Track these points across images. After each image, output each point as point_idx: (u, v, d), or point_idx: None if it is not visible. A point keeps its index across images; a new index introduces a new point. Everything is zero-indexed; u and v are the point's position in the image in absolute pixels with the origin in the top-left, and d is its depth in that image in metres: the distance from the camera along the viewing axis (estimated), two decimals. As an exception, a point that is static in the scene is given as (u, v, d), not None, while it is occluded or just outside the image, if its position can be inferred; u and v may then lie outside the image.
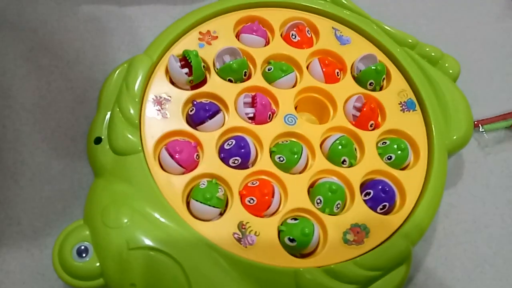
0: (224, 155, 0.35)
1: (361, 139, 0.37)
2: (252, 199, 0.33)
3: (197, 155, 0.34)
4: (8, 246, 0.34)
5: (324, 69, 0.40)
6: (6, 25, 0.44)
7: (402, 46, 0.43)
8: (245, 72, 0.38)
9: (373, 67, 0.40)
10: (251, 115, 0.36)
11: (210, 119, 0.35)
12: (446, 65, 0.42)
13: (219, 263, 0.30)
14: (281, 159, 0.35)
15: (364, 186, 0.36)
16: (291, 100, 0.38)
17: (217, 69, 0.38)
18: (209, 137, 0.35)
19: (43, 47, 0.43)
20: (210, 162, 0.34)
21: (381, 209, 0.35)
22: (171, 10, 0.48)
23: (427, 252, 0.39)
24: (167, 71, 0.38)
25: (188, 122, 0.36)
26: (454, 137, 0.39)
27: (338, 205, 0.34)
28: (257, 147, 0.36)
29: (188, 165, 0.33)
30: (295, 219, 0.33)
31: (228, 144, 0.35)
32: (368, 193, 0.35)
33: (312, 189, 0.35)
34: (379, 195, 0.34)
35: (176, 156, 0.33)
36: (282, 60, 0.40)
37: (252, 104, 0.37)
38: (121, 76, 0.37)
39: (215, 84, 0.38)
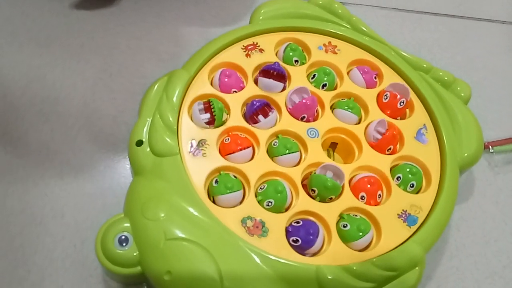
0: None
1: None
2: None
3: None
4: (53, 236, 0.38)
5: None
6: (56, 41, 0.49)
7: (417, 70, 0.46)
8: None
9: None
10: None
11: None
12: (458, 88, 0.45)
13: (245, 254, 0.33)
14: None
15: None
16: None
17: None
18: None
19: (89, 61, 0.48)
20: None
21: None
22: (204, 33, 0.52)
23: (439, 262, 0.41)
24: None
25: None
26: (465, 155, 0.41)
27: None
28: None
29: None
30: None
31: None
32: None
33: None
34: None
35: None
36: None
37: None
38: (161, 87, 0.41)
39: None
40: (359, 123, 0.42)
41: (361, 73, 0.44)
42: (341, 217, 0.37)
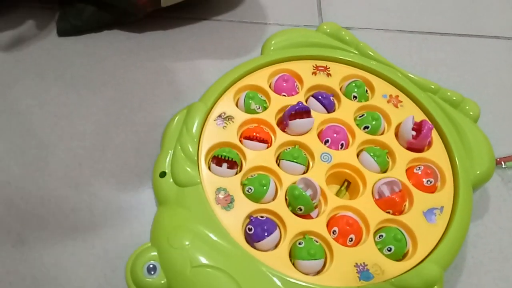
0: None
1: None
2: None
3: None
4: (84, 266, 0.40)
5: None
6: (80, 80, 0.52)
7: (426, 92, 0.48)
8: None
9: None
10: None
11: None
12: (467, 107, 0.47)
13: (268, 279, 0.35)
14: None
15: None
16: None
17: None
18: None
19: (111, 97, 0.51)
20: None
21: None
22: (218, 64, 0.55)
23: (458, 279, 0.41)
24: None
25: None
26: (478, 172, 0.43)
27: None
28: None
29: None
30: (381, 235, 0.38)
31: None
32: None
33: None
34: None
35: None
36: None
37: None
38: (180, 120, 0.44)
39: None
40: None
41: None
42: (304, 236, 0.38)
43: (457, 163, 0.42)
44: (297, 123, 0.43)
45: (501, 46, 0.61)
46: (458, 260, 0.42)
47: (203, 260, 0.35)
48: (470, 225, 0.44)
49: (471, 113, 0.47)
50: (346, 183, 0.43)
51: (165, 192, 0.40)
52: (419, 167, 0.42)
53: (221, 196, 0.39)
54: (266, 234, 0.37)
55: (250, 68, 0.48)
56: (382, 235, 0.38)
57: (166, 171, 0.41)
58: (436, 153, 0.43)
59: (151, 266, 0.36)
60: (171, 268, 0.35)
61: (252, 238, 0.37)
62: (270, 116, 0.44)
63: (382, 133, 0.45)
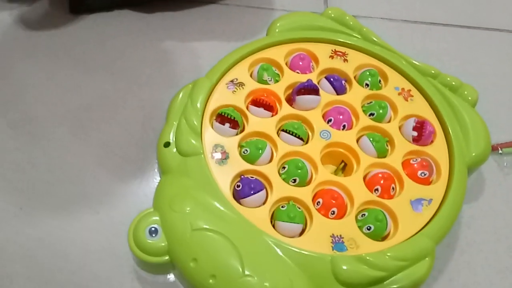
0: None
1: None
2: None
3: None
4: (88, 231, 0.41)
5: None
6: (90, 56, 0.54)
7: (426, 76, 0.49)
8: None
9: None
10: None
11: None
12: (465, 92, 0.48)
13: (265, 243, 0.36)
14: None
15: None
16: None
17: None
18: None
19: (120, 73, 0.52)
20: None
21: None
22: (225, 46, 0.56)
23: (451, 257, 0.43)
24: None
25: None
26: (473, 154, 0.44)
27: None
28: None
29: None
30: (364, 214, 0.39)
31: None
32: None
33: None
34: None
35: None
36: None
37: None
38: (186, 94, 0.45)
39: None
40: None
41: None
42: (289, 202, 0.39)
43: (454, 144, 0.43)
44: (304, 99, 0.44)
45: (504, 39, 0.62)
46: (452, 239, 0.43)
47: (203, 224, 0.36)
48: (465, 207, 0.45)
49: (470, 98, 0.48)
50: (342, 164, 0.44)
51: (169, 161, 0.41)
52: (416, 159, 0.43)
53: (217, 151, 0.41)
54: (252, 192, 0.38)
55: (253, 48, 0.49)
56: (364, 214, 0.39)
57: (170, 141, 0.42)
58: (435, 145, 0.44)
59: (152, 229, 0.37)
60: (172, 231, 0.37)
61: (239, 195, 0.38)
62: (280, 88, 0.46)
63: (390, 119, 0.46)
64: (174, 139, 0.42)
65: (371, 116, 0.45)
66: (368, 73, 0.48)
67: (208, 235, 0.36)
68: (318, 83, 0.47)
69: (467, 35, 0.62)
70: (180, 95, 0.45)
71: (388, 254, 0.36)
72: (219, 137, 0.42)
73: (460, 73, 0.53)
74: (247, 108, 0.44)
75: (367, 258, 0.36)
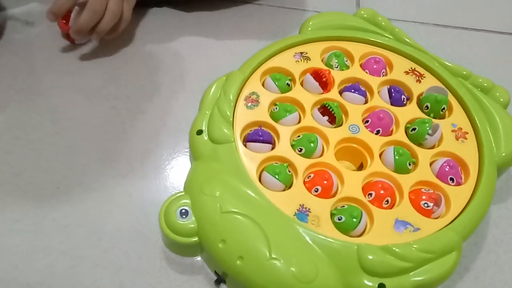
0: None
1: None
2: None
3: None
4: (122, 212, 0.43)
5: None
6: (128, 49, 0.56)
7: (457, 77, 0.49)
8: None
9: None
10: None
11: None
12: (497, 94, 0.48)
13: (292, 229, 0.37)
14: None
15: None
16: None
17: None
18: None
19: (155, 66, 0.54)
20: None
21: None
22: (257, 44, 0.57)
23: (478, 256, 0.42)
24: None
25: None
26: (503, 154, 0.44)
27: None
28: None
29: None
30: (343, 206, 0.39)
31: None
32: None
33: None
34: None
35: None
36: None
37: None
38: (219, 86, 0.47)
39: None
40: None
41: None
42: (284, 163, 0.41)
43: (484, 144, 0.43)
44: (350, 96, 0.46)
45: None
46: (479, 238, 0.43)
47: (232, 207, 0.38)
48: (493, 207, 0.45)
49: (501, 99, 0.47)
50: (360, 165, 0.44)
51: (201, 148, 0.42)
52: (428, 190, 0.41)
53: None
54: (261, 139, 0.42)
55: (287, 44, 0.50)
56: (344, 206, 0.39)
57: (203, 129, 0.44)
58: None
59: (183, 210, 0.38)
60: (202, 213, 0.38)
61: (248, 138, 0.43)
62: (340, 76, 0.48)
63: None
64: (206, 127, 0.44)
65: (413, 131, 0.44)
66: (434, 100, 0.46)
67: (237, 218, 0.37)
68: (378, 90, 0.48)
69: (499, 40, 0.62)
70: (214, 86, 0.47)
71: (415, 246, 0.37)
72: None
73: (491, 77, 0.53)
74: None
75: (394, 248, 0.36)
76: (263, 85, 0.47)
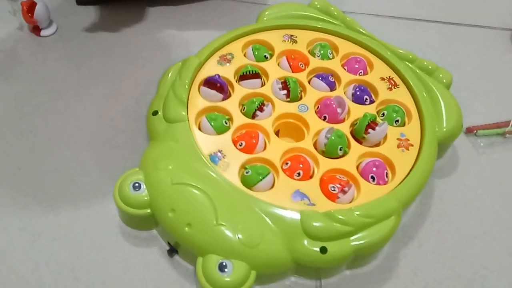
0: None
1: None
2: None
3: None
4: (83, 192, 0.44)
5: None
6: (95, 41, 0.58)
7: (404, 61, 0.52)
8: None
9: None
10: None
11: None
12: (440, 75, 0.51)
13: (239, 198, 0.39)
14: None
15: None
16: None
17: None
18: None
19: (120, 56, 0.56)
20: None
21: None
22: (217, 34, 0.59)
23: (421, 226, 0.44)
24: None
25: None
26: (445, 129, 0.46)
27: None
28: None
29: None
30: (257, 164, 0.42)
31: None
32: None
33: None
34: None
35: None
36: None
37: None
38: (176, 71, 0.49)
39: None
40: None
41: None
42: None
43: (425, 120, 0.46)
44: (316, 81, 0.49)
45: (486, 35, 0.64)
46: (424, 209, 0.46)
47: (183, 179, 0.39)
48: (438, 181, 0.48)
49: (444, 80, 0.50)
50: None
51: (156, 127, 0.44)
52: (342, 177, 0.42)
53: None
54: (217, 84, 0.46)
55: (242, 32, 0.53)
56: (257, 164, 0.41)
57: (159, 111, 0.45)
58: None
59: (136, 184, 0.40)
60: (154, 185, 0.40)
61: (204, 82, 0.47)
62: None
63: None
64: (161, 108, 0.45)
65: (355, 125, 0.45)
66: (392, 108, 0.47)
67: (186, 189, 0.39)
68: (347, 86, 0.50)
69: (451, 30, 0.65)
70: (171, 71, 0.49)
71: (356, 212, 0.39)
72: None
73: (441, 63, 0.56)
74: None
75: (336, 215, 0.38)
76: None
